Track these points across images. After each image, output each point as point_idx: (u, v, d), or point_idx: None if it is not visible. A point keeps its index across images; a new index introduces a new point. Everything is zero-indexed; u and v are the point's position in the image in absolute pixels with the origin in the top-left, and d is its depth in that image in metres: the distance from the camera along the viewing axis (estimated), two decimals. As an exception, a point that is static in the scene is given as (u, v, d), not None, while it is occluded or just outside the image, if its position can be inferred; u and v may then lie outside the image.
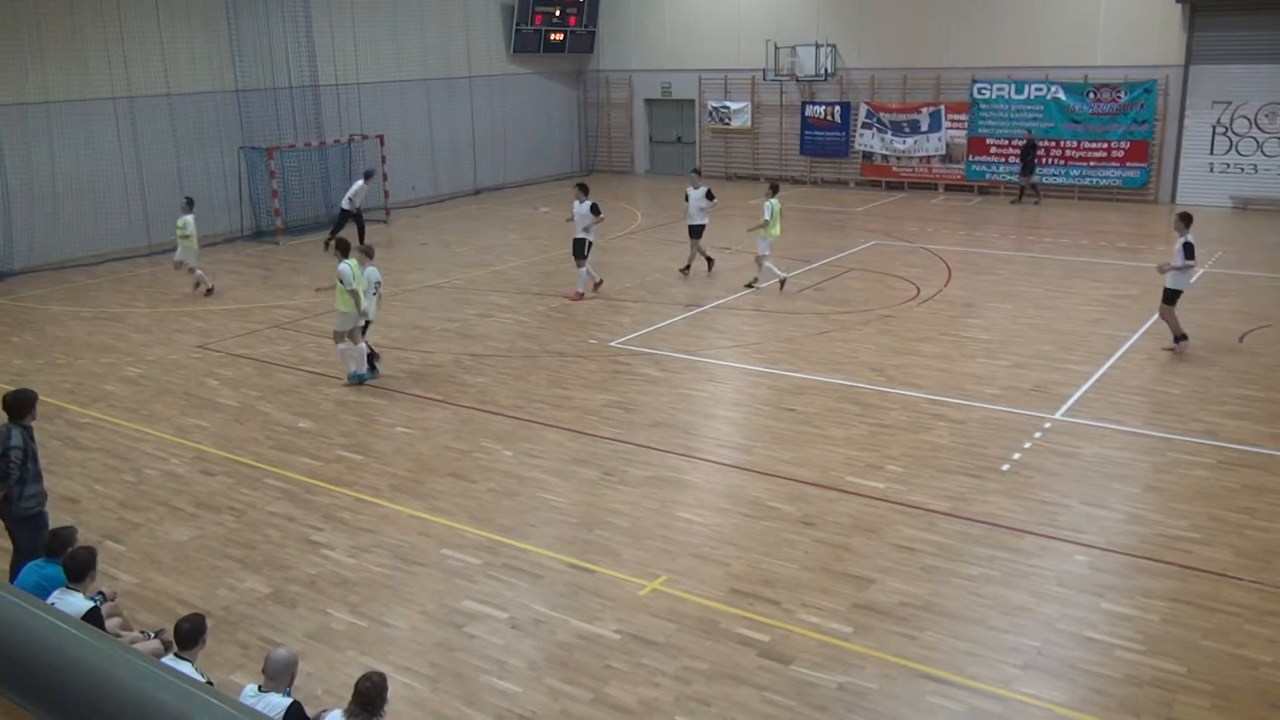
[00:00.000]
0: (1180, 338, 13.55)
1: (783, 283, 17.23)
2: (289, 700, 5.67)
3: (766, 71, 28.61)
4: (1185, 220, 13.46)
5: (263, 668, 5.85)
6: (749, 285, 17.46)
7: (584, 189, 17.12)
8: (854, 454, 10.59)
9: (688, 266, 18.60)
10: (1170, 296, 13.53)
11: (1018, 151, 25.84)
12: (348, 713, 5.48)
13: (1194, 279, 13.38)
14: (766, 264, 17.10)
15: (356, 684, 5.47)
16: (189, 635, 5.98)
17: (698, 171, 18.84)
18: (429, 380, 13.28)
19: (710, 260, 18.67)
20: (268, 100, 23.57)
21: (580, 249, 16.91)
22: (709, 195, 18.22)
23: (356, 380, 13.02)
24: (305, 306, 17.13)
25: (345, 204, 21.39)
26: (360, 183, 21.42)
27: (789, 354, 13.96)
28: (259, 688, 5.72)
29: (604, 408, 12.10)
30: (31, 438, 7.78)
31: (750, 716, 6.56)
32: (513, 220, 25.01)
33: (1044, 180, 25.94)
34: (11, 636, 2.22)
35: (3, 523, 7.90)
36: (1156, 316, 14.09)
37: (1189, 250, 13.26)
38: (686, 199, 18.33)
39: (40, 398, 8.15)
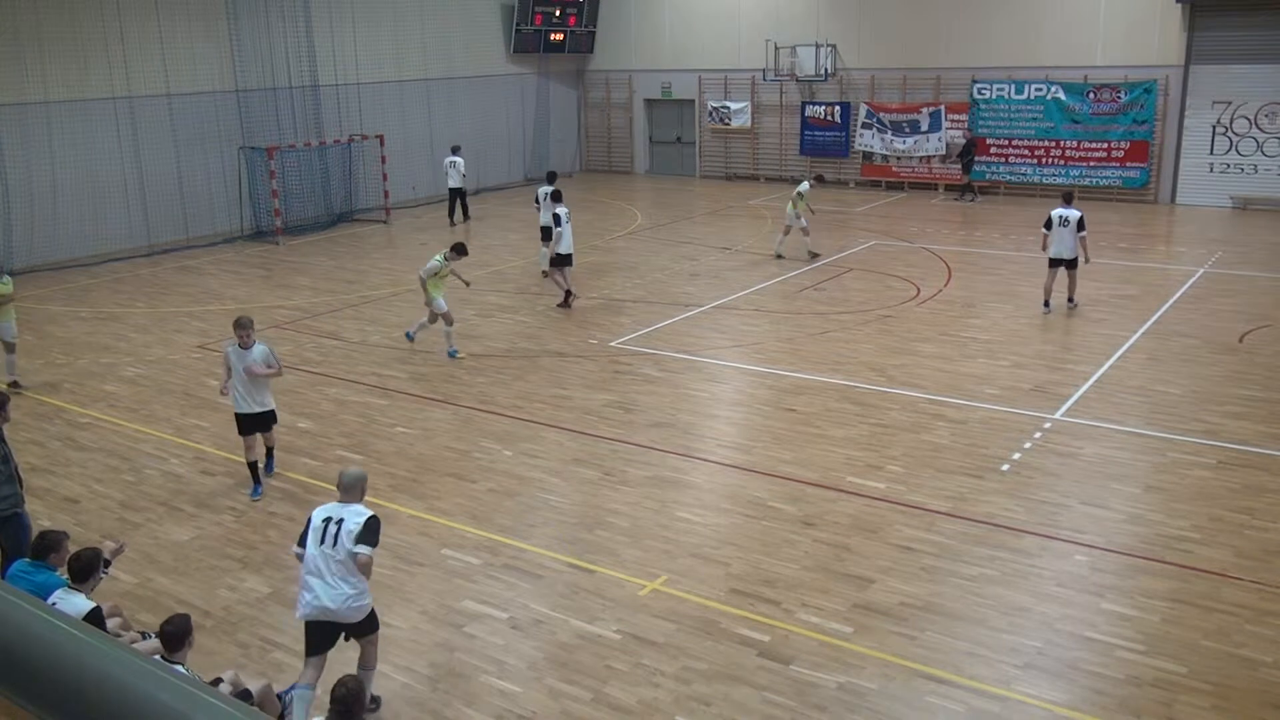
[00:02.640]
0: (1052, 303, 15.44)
1: (779, 256, 19.69)
2: (369, 514, 6.43)
3: (766, 71, 28.61)
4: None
5: (337, 484, 6.71)
6: (813, 255, 19.62)
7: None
8: (854, 454, 10.59)
9: (568, 297, 16.60)
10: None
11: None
12: None
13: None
14: (795, 238, 19.72)
15: (332, 691, 5.38)
16: (173, 638, 5.89)
17: (557, 192, 17.26)
18: (429, 380, 13.28)
19: (570, 294, 16.62)
20: (268, 100, 23.57)
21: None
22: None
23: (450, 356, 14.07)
24: (305, 306, 17.14)
25: (458, 181, 24.17)
26: (459, 159, 24.21)
27: (789, 354, 13.96)
28: (339, 502, 6.52)
29: (604, 408, 12.10)
30: (3, 439, 7.75)
31: (750, 716, 6.56)
32: (513, 220, 25.00)
33: (1044, 181, 25.97)
34: (11, 636, 2.21)
35: None
36: (1156, 316, 14.10)
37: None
38: (558, 222, 16.37)
39: (40, 398, 8.14)
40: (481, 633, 7.58)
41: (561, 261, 16.50)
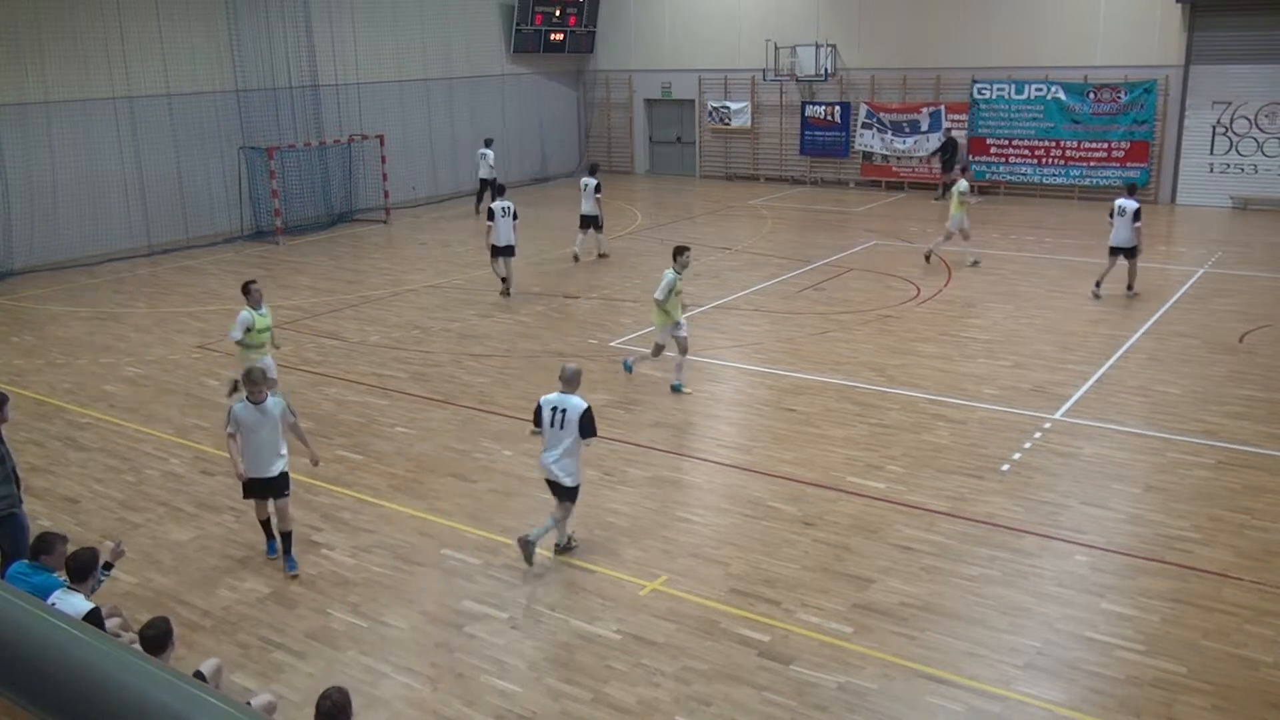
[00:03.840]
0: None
1: (930, 255, 19.23)
2: (585, 406, 8.28)
3: (766, 71, 28.60)
4: None
5: (559, 376, 8.42)
6: (973, 264, 18.89)
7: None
8: (854, 454, 10.59)
9: (506, 288, 17.32)
10: None
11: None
12: None
13: None
14: (953, 241, 18.95)
15: (317, 704, 5.20)
16: (154, 641, 5.83)
17: (501, 188, 18.12)
18: (429, 380, 13.28)
19: (505, 282, 17.37)
20: (268, 100, 23.57)
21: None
22: (514, 214, 17.20)
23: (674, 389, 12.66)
24: (306, 306, 17.14)
25: (487, 173, 24.90)
26: (490, 151, 25.27)
27: (789, 354, 13.96)
28: (560, 392, 8.34)
29: (604, 408, 12.09)
30: (0, 439, 7.74)
31: (750, 716, 6.56)
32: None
33: (1044, 181, 25.98)
34: (11, 636, 2.21)
35: None
36: (1156, 317, 14.11)
37: None
38: (491, 215, 16.99)
39: (40, 398, 8.13)
40: (481, 633, 7.58)
41: (498, 253, 17.13)
